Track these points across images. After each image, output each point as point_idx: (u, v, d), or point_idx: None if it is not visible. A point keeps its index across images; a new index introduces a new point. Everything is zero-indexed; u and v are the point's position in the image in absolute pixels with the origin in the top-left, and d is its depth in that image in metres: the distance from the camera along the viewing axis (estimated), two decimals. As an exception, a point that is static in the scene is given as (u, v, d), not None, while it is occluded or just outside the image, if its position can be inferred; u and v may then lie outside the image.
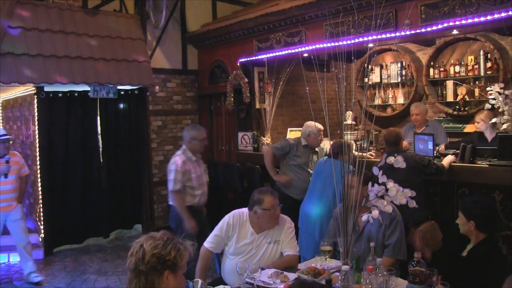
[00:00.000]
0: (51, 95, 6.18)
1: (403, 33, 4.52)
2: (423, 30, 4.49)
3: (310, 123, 4.89)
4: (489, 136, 4.76)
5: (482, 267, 2.55)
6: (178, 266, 1.85)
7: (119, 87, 6.54)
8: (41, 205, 6.02)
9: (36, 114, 6.02)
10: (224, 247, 3.12)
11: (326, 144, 5.01)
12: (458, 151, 4.36)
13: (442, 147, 4.90)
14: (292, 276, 2.64)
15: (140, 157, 7.04)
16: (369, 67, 6.59)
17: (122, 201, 6.91)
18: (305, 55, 5.65)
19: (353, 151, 3.33)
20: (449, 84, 6.23)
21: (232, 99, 6.65)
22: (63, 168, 6.36)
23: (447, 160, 4.20)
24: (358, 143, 4.76)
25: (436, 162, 4.14)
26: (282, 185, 4.92)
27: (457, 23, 4.21)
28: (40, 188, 5.97)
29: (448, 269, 2.41)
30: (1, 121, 7.97)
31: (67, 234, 6.33)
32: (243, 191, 5.97)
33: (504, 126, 4.40)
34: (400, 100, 6.88)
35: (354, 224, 2.45)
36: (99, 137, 6.69)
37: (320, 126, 4.84)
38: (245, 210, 3.14)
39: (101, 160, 6.69)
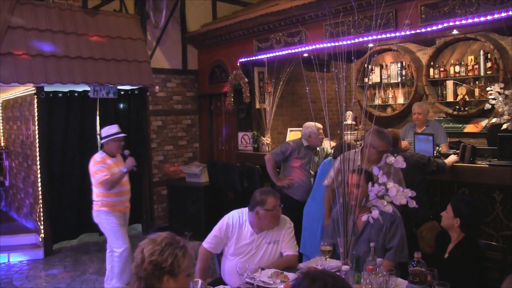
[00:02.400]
0: (51, 95, 6.19)
1: (403, 33, 4.52)
2: (423, 30, 4.49)
3: (309, 123, 4.89)
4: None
5: (463, 267, 2.57)
6: (177, 271, 1.87)
7: (119, 87, 6.54)
8: (41, 205, 6.02)
9: (36, 114, 6.02)
10: (224, 248, 3.11)
11: (327, 145, 5.01)
12: (458, 151, 4.37)
13: (442, 147, 4.90)
14: (292, 276, 2.64)
15: (140, 157, 7.03)
16: (369, 67, 6.59)
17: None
18: (305, 55, 5.65)
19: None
20: (449, 84, 6.23)
21: (232, 99, 6.65)
22: (63, 168, 6.38)
23: (450, 159, 4.20)
24: (358, 143, 4.75)
25: (437, 160, 4.14)
26: (284, 186, 4.91)
27: (457, 23, 4.21)
28: (40, 188, 5.97)
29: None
30: (1, 121, 7.98)
31: (65, 232, 6.37)
32: (243, 191, 5.97)
33: (504, 126, 4.39)
34: (400, 100, 6.88)
35: (353, 226, 2.44)
36: (98, 137, 6.69)
37: (319, 125, 4.84)
38: (244, 210, 3.13)
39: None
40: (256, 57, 6.32)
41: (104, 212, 4.51)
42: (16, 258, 5.85)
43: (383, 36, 4.82)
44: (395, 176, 3.53)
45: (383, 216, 2.70)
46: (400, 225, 2.99)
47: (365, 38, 4.79)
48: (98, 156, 4.57)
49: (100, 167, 4.46)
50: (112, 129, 4.61)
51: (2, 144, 7.81)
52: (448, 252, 2.77)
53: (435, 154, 4.43)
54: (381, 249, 2.95)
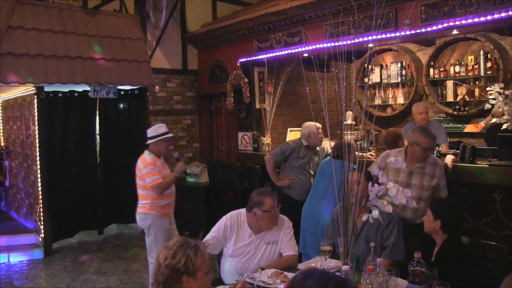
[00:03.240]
0: (51, 95, 6.19)
1: (403, 33, 4.52)
2: (423, 30, 4.49)
3: (308, 123, 4.89)
4: None
5: (450, 268, 2.58)
6: (192, 270, 1.95)
7: (119, 87, 6.54)
8: (41, 205, 6.02)
9: (36, 114, 6.02)
10: (223, 249, 3.11)
11: (326, 144, 5.01)
12: (458, 151, 4.36)
13: (443, 148, 4.89)
14: (292, 276, 2.64)
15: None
16: (369, 67, 6.59)
17: (119, 199, 6.88)
18: (305, 55, 5.65)
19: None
20: (449, 84, 6.23)
21: (232, 99, 6.66)
22: (63, 167, 6.38)
23: (449, 160, 4.20)
24: (358, 143, 4.75)
25: None
26: (284, 186, 4.91)
27: (457, 23, 4.21)
28: (40, 188, 5.97)
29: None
30: (1, 121, 7.98)
31: (63, 230, 6.39)
32: (243, 191, 5.97)
33: (504, 126, 4.39)
34: (400, 100, 6.88)
35: (353, 225, 2.44)
36: (97, 137, 6.70)
37: (319, 125, 4.84)
38: (242, 211, 3.12)
39: (98, 160, 6.69)
40: (256, 57, 6.32)
41: (154, 216, 4.20)
42: (16, 258, 5.85)
43: (383, 36, 4.82)
44: (441, 179, 3.53)
45: (381, 214, 2.70)
46: (397, 224, 3.01)
47: (365, 38, 4.79)
48: (148, 157, 4.22)
49: (151, 170, 4.15)
50: (161, 128, 4.31)
51: (2, 144, 7.81)
52: (434, 255, 2.78)
53: (435, 154, 4.43)
54: (378, 248, 2.96)
